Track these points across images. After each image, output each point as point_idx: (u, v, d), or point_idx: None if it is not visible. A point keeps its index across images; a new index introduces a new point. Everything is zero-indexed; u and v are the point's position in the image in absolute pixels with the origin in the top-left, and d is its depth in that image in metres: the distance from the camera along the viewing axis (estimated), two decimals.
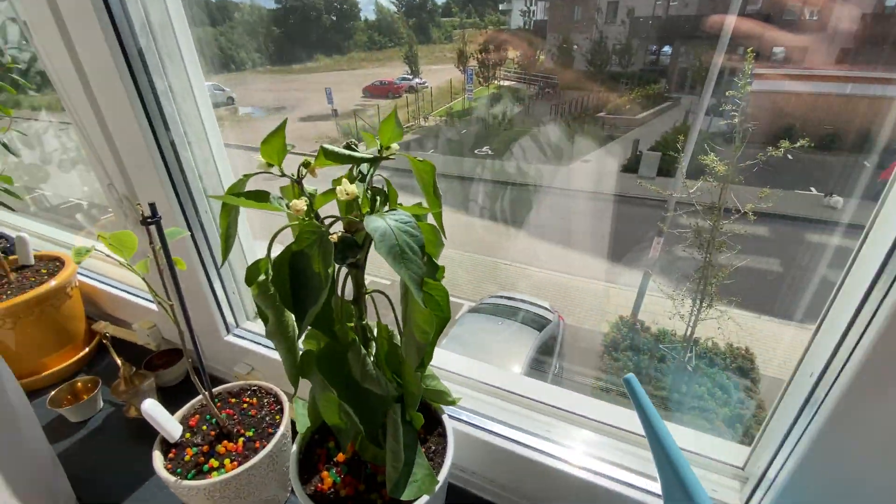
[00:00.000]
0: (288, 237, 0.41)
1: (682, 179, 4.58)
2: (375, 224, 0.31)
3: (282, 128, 0.35)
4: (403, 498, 0.46)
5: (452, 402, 0.56)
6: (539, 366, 4.11)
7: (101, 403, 0.92)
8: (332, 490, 0.49)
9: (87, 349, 1.03)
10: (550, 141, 9.53)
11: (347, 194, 0.32)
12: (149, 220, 0.45)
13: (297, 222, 0.39)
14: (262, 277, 0.36)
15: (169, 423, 0.65)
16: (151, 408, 0.63)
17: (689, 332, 4.71)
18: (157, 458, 0.63)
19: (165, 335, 1.00)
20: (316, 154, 0.37)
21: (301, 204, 0.34)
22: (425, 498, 0.46)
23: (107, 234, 0.53)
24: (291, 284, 0.34)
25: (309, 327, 0.38)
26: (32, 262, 1.01)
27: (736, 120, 3.89)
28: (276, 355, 0.84)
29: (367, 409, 0.42)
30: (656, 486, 0.59)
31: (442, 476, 0.48)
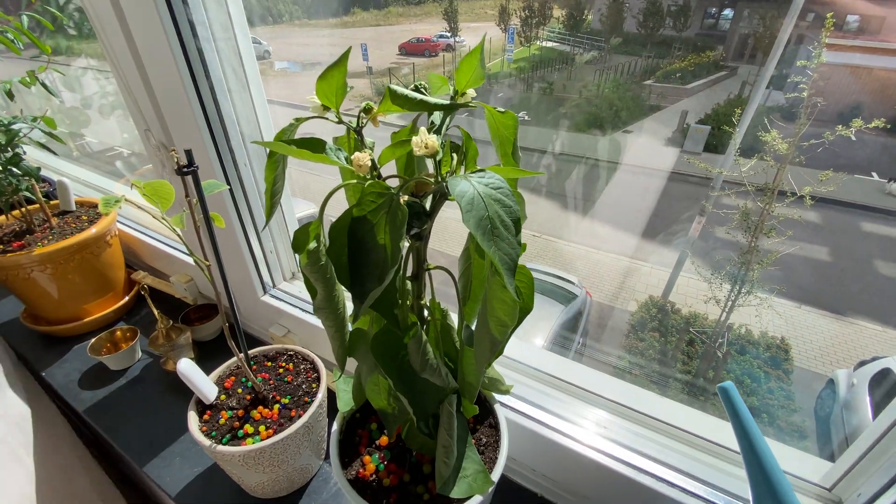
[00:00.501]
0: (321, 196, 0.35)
1: (735, 156, 4.28)
2: (462, 188, 0.24)
3: (343, 60, 0.29)
4: (454, 496, 0.42)
5: (506, 391, 0.51)
6: (562, 341, 4.05)
7: (140, 353, 0.92)
8: (375, 477, 0.45)
9: (127, 298, 1.03)
10: (591, 108, 9.08)
11: (426, 147, 0.26)
12: (184, 169, 0.40)
13: (354, 181, 0.33)
14: (312, 245, 0.30)
15: (205, 385, 0.62)
16: (187, 368, 0.61)
17: (723, 318, 4.53)
18: (193, 420, 0.61)
19: (202, 290, 0.99)
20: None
21: (365, 158, 0.28)
22: (478, 498, 0.42)
23: (141, 183, 0.49)
24: (350, 257, 0.28)
25: None
26: (73, 207, 1.00)
27: (804, 94, 3.55)
28: (313, 319, 0.81)
29: (421, 399, 0.37)
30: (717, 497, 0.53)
31: (496, 475, 0.44)
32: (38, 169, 0.87)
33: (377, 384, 0.41)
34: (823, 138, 3.62)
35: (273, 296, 0.86)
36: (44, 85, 0.84)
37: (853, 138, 3.53)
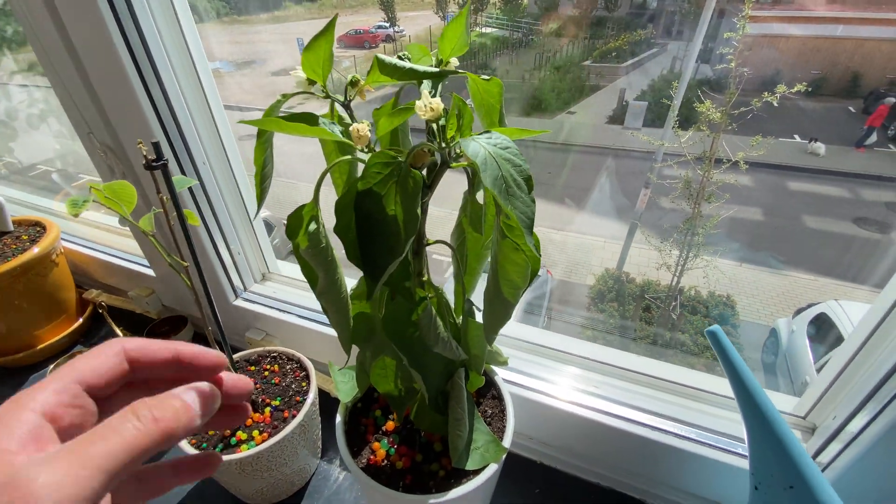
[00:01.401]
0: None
1: (674, 129, 4.50)
2: (474, 148, 0.24)
3: (330, 29, 0.28)
4: (469, 467, 0.42)
5: (504, 362, 0.52)
6: (528, 320, 4.15)
7: None
8: (387, 462, 0.45)
9: (80, 320, 0.95)
10: (533, 92, 9.25)
11: (431, 110, 0.25)
12: (153, 163, 0.37)
13: (347, 157, 0.32)
14: (312, 227, 0.29)
15: None
16: None
17: (675, 282, 4.80)
18: None
19: (165, 302, 0.93)
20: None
21: (364, 128, 0.27)
22: (493, 466, 0.42)
23: (100, 185, 0.45)
24: (358, 232, 0.27)
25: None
26: (11, 228, 0.91)
27: (732, 64, 3.78)
28: (291, 318, 0.78)
29: (434, 375, 0.37)
30: (714, 439, 0.57)
31: (507, 442, 0.44)
32: None
33: (384, 367, 0.41)
34: (752, 105, 3.87)
35: (246, 299, 0.82)
36: None
37: (775, 104, 3.80)
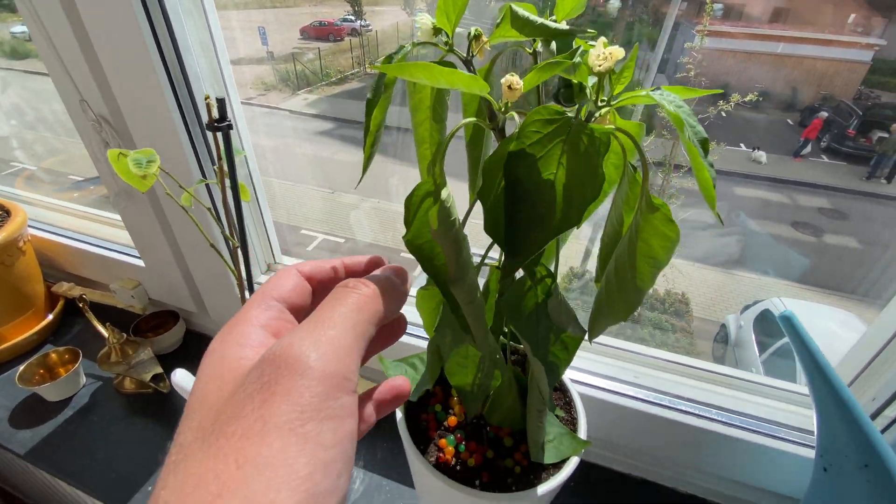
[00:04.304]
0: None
1: None
2: (662, 103, 0.22)
3: None
4: (548, 461, 0.40)
5: None
6: None
7: (84, 378, 0.77)
8: (457, 459, 0.42)
9: (50, 316, 0.85)
10: (496, 95, 9.35)
11: (609, 57, 0.22)
12: (218, 123, 0.32)
13: (471, 119, 0.29)
14: (445, 195, 0.25)
15: None
16: (185, 379, 0.51)
17: None
18: None
19: (153, 295, 0.85)
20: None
21: (517, 81, 0.24)
22: (575, 460, 0.40)
23: (127, 152, 0.39)
24: (506, 204, 0.24)
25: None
26: None
27: (692, 74, 3.97)
28: None
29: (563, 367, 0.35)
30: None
31: (583, 433, 0.42)
32: None
33: (465, 357, 0.38)
34: (708, 113, 4.09)
35: (253, 291, 0.76)
36: None
37: (724, 114, 4.02)
